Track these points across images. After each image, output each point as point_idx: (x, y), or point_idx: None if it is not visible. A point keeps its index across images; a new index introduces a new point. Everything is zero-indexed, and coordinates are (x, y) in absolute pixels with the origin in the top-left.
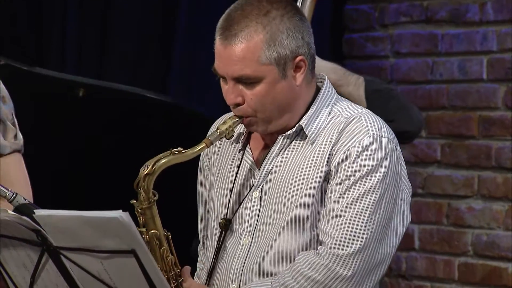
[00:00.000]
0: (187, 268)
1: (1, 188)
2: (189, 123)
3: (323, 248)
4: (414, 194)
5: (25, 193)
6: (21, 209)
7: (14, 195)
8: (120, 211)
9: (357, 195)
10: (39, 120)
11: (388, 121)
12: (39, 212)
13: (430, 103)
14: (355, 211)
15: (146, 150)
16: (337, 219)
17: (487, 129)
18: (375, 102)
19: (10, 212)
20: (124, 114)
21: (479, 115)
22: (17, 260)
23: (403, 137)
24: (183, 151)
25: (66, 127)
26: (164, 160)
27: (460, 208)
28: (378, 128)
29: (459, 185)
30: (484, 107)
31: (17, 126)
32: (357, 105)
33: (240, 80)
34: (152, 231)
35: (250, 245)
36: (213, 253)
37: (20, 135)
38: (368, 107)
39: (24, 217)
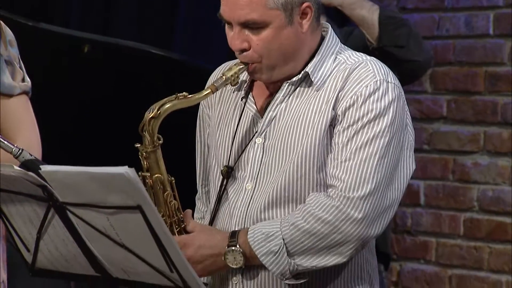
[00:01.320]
0: (189, 212)
1: (7, 143)
2: (194, 79)
3: (334, 191)
4: (419, 150)
5: (34, 136)
6: (27, 165)
7: (20, 151)
8: (126, 167)
9: (366, 139)
10: (43, 75)
11: (399, 46)
12: (45, 168)
13: (436, 59)
14: (365, 155)
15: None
16: (347, 163)
17: (493, 84)
18: (388, 27)
19: (16, 167)
20: (129, 70)
21: (485, 71)
22: (23, 216)
23: (412, 68)
24: (189, 96)
25: (70, 83)
26: (169, 104)
27: (466, 163)
28: (385, 74)
29: (465, 141)
30: (490, 62)
31: (24, 70)
32: (361, 53)
33: (247, 25)
34: (156, 175)
35: (253, 190)
36: (215, 200)
37: (27, 78)
38: (380, 32)
39: (30, 173)
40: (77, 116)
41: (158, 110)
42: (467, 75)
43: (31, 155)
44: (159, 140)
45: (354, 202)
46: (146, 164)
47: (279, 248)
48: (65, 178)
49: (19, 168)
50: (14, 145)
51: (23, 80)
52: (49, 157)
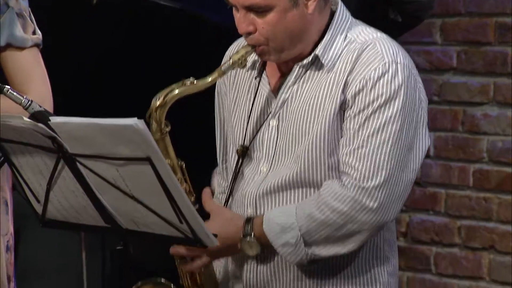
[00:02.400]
0: (207, 191)
1: (17, 95)
2: (202, 31)
3: (348, 179)
4: (429, 102)
5: (45, 89)
6: (36, 116)
7: (30, 102)
8: (135, 118)
9: (377, 125)
10: (52, 27)
11: None
12: (55, 119)
13: (446, 10)
14: (377, 142)
15: (159, 57)
16: (359, 150)
17: (503, 35)
18: None
19: (26, 119)
20: (138, 22)
21: (495, 21)
22: (33, 167)
23: (414, 9)
24: (195, 81)
25: (79, 34)
26: (176, 91)
27: (476, 114)
28: (393, 54)
29: (474, 92)
30: (500, 13)
31: (35, 22)
32: (372, 29)
33: (251, 8)
34: (166, 161)
35: (268, 172)
36: (231, 179)
37: (38, 31)
38: None
39: (40, 124)
40: (84, 71)
41: (164, 98)
42: (477, 26)
43: (40, 107)
44: (167, 127)
45: (369, 192)
46: None
47: (296, 240)
48: (74, 129)
49: (28, 120)
50: (23, 96)
51: (34, 32)
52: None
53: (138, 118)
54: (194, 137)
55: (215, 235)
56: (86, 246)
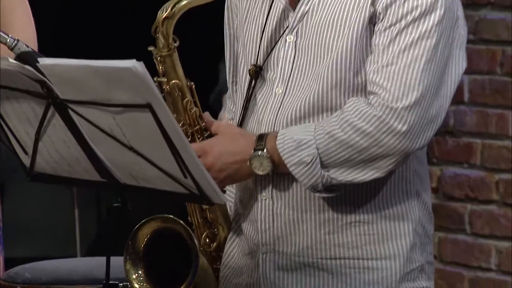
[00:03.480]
0: (207, 113)
1: (1, 34)
2: None
3: (376, 99)
4: None
5: (29, 29)
6: (23, 58)
7: (16, 41)
8: (134, 60)
9: (410, 40)
10: None
11: None
12: (44, 61)
13: None
14: (409, 59)
15: None
16: (389, 68)
17: None
18: None
19: (12, 60)
20: None
21: None
22: (20, 115)
23: None
24: None
25: None
26: (185, 2)
27: None
28: None
29: None
30: None
31: None
32: None
33: None
34: (173, 81)
35: (284, 95)
36: (242, 104)
37: None
38: None
39: (27, 66)
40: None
41: (172, 9)
42: None
43: (28, 47)
44: (175, 42)
45: (398, 113)
46: (162, 69)
47: (312, 159)
48: (66, 72)
49: (14, 61)
50: (8, 36)
51: None
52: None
53: (136, 60)
54: (201, 58)
55: (224, 191)
56: (79, 203)
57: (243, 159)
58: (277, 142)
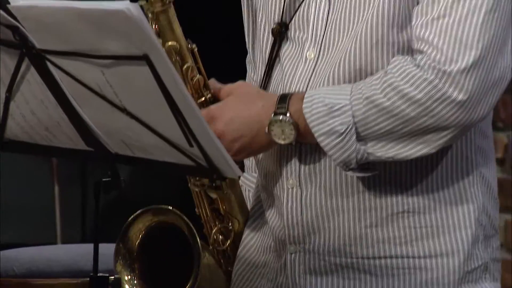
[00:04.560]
0: (213, 80)
1: None
2: None
3: (425, 59)
4: None
5: None
6: None
7: None
8: (127, 1)
9: None
10: None
11: None
12: (17, 2)
13: None
14: (466, 9)
15: None
16: (441, 21)
17: None
18: None
19: None
20: None
21: None
22: None
23: None
24: None
25: None
26: None
27: None
28: None
29: None
30: None
31: None
32: None
33: None
34: (170, 43)
35: (317, 60)
36: (263, 71)
37: None
38: None
39: None
40: None
41: None
42: None
43: None
44: None
45: (453, 78)
46: (156, 27)
47: (346, 129)
48: (44, 16)
49: None
50: None
51: None
52: None
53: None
54: (209, 15)
55: (238, 163)
56: (60, 178)
57: (261, 125)
58: (303, 106)
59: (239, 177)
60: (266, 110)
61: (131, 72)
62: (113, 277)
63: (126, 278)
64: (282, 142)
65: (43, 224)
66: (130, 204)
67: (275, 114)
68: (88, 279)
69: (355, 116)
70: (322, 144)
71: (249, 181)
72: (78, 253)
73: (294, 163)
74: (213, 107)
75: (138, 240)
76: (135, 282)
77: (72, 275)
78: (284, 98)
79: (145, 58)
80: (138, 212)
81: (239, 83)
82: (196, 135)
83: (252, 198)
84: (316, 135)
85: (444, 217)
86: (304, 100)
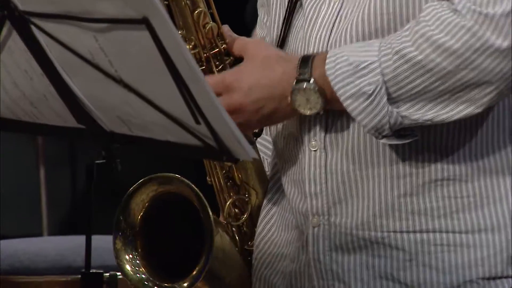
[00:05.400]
0: (226, 28)
1: None
2: None
3: (463, 2)
4: None
5: None
6: None
7: None
8: None
9: None
10: None
11: None
12: None
13: None
14: None
15: None
16: None
17: None
18: None
19: None
20: None
21: None
22: None
23: None
24: None
25: None
26: None
27: None
28: None
29: None
30: None
31: None
32: None
33: None
34: None
35: (342, 3)
36: (283, 17)
37: None
38: None
39: None
40: None
41: None
42: None
43: None
44: None
45: (496, 22)
46: None
47: (375, 89)
48: None
49: None
50: None
51: None
52: None
53: None
54: None
55: (252, 142)
56: (46, 161)
57: (283, 95)
58: (326, 67)
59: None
60: (287, 77)
61: (128, 37)
62: (108, 274)
63: (126, 257)
64: (308, 112)
65: (27, 213)
66: (127, 190)
67: (298, 81)
68: (79, 276)
69: (384, 74)
70: (349, 109)
71: (265, 148)
72: (67, 246)
73: (318, 122)
74: (226, 73)
75: (141, 213)
76: (138, 262)
77: (60, 271)
78: (306, 61)
79: (144, 22)
80: (141, 181)
81: (255, 41)
82: (204, 111)
83: (270, 167)
84: (341, 98)
85: (489, 186)
86: (327, 60)
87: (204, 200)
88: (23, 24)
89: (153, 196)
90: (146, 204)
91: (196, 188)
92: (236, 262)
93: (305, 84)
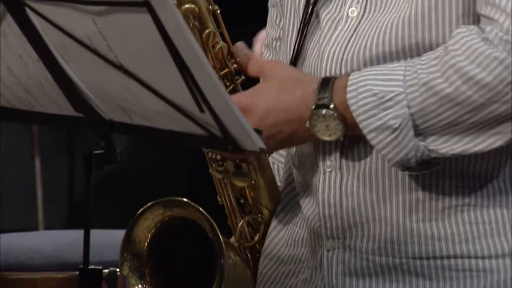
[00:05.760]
0: (240, 45)
1: None
2: None
3: (494, 31)
4: None
5: None
6: None
7: None
8: None
9: None
10: None
11: None
12: None
13: None
14: None
15: None
16: None
17: None
18: None
19: None
20: None
21: None
22: None
23: None
24: None
25: None
26: None
27: None
28: None
29: None
30: None
31: None
32: None
33: None
34: (187, 5)
35: (360, 19)
36: (297, 28)
37: None
38: None
39: None
40: None
41: None
42: None
43: None
44: None
45: None
46: None
47: (402, 123)
48: None
49: None
50: None
51: None
52: None
53: None
54: None
55: (259, 131)
56: (42, 151)
57: (301, 120)
58: (347, 96)
59: (267, 154)
60: (306, 101)
61: (128, 21)
62: (107, 270)
63: (134, 284)
64: (328, 138)
65: (22, 205)
66: (128, 182)
67: (317, 106)
68: (77, 272)
69: (410, 106)
70: (373, 142)
71: (279, 155)
72: (64, 241)
73: (334, 142)
74: (243, 97)
75: (148, 240)
76: None
77: (57, 267)
78: (325, 85)
79: (146, 5)
80: (146, 206)
81: (272, 62)
82: (208, 98)
83: (283, 178)
84: (365, 131)
85: (511, 212)
86: (348, 89)
87: (214, 224)
88: (17, 6)
89: (159, 221)
90: (152, 229)
91: (204, 211)
92: (248, 284)
93: (324, 111)
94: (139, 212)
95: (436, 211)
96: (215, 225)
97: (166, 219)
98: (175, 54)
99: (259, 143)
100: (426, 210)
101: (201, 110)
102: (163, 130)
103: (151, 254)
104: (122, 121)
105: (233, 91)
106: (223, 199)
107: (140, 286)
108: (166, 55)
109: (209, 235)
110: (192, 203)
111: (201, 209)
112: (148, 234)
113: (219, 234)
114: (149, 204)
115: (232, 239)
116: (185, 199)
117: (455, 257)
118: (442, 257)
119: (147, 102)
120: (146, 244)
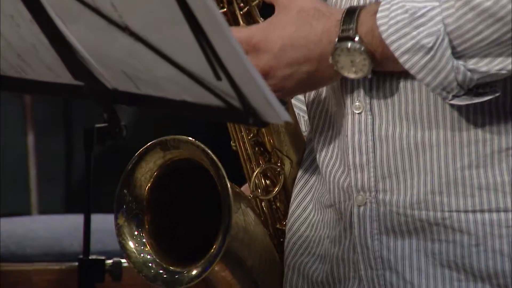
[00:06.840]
0: None
1: None
2: None
3: None
4: None
5: None
6: None
7: None
8: None
9: None
10: None
11: None
12: None
13: None
14: None
15: None
16: None
17: None
18: None
19: None
20: None
21: None
22: None
23: None
24: None
25: None
26: None
27: None
28: None
29: None
30: None
31: None
32: None
33: None
34: None
35: None
36: None
37: None
38: None
39: None
40: None
41: None
42: None
43: None
44: None
45: None
46: None
47: (436, 41)
48: None
49: None
50: None
51: None
52: None
53: None
54: None
55: (285, 102)
56: (36, 126)
57: (322, 56)
58: (378, 15)
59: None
60: (328, 36)
61: None
62: (110, 261)
63: (130, 234)
64: (353, 75)
65: (14, 187)
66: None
67: (340, 39)
68: (77, 263)
69: (446, 24)
70: (407, 66)
71: (301, 102)
72: (61, 227)
73: (364, 79)
74: (256, 31)
75: (149, 184)
76: (143, 240)
77: (53, 258)
78: (351, 14)
79: None
80: (146, 146)
81: None
82: (226, 64)
83: (307, 128)
84: (397, 54)
85: None
86: (380, 8)
87: (221, 169)
88: None
89: (161, 164)
90: (154, 173)
91: (211, 153)
92: (262, 244)
93: (350, 44)
94: (138, 153)
95: (485, 156)
96: (222, 170)
97: (169, 161)
98: (188, 15)
99: (284, 115)
100: (472, 155)
101: (218, 78)
102: (175, 101)
103: (151, 200)
104: (128, 90)
105: (248, 14)
106: (237, 144)
107: (136, 233)
108: (178, 15)
109: (216, 182)
110: (198, 143)
111: (207, 150)
112: (149, 178)
113: (227, 182)
114: (149, 144)
115: (245, 188)
116: (189, 138)
117: (506, 210)
118: (490, 211)
119: (156, 69)
120: (146, 188)
